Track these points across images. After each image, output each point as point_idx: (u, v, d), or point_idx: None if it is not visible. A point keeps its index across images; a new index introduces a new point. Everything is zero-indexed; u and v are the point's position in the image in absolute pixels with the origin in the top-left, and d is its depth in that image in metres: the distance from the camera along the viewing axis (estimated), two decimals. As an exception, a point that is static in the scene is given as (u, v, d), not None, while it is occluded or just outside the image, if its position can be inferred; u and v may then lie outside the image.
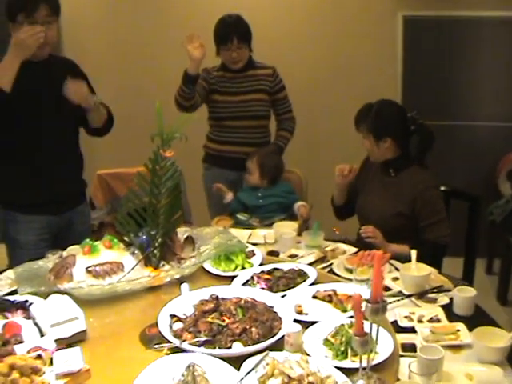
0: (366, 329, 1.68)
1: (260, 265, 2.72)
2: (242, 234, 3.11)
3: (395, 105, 3.34)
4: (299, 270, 2.62)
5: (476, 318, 2.30)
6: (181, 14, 5.43)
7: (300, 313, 2.24)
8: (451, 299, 2.42)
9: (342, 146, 5.31)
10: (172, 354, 1.98)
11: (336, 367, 1.87)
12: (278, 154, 4.02)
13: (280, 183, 3.80)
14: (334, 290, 2.39)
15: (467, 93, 5.41)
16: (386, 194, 3.24)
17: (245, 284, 2.51)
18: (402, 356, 2.03)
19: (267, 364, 1.86)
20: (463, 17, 5.16)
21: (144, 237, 2.59)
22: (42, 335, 2.09)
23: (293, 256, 2.90)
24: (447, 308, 2.39)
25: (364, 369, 1.78)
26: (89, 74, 3.37)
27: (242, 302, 2.22)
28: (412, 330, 2.21)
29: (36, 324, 2.13)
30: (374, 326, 1.78)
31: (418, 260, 2.61)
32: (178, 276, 2.52)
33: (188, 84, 3.80)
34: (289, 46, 5.43)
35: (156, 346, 2.04)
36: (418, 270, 2.58)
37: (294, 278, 2.52)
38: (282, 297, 2.35)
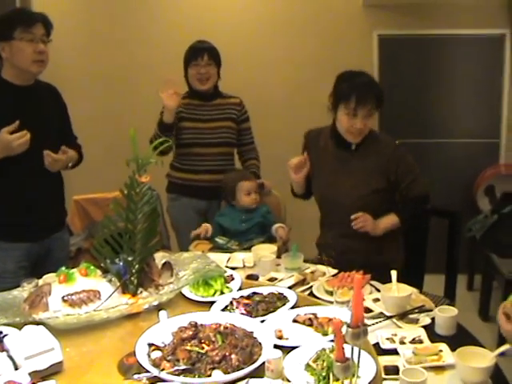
0: (348, 353, 1.65)
1: (239, 289, 2.69)
2: (220, 258, 3.08)
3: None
4: (279, 293, 2.59)
5: (458, 338, 2.28)
6: (159, 39, 5.43)
7: (280, 338, 2.21)
8: (433, 319, 2.40)
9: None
10: (151, 384, 1.94)
11: (318, 393, 1.84)
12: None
13: (259, 205, 3.78)
14: (315, 314, 2.37)
15: (443, 110, 5.46)
16: (353, 173, 3.12)
17: (224, 309, 2.48)
18: (385, 379, 2.01)
19: (248, 392, 1.83)
20: (437, 35, 5.23)
21: (121, 263, 2.56)
22: (16, 368, 2.03)
23: (272, 279, 2.87)
24: (429, 328, 2.37)
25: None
26: (64, 98, 3.37)
27: (222, 328, 2.19)
28: (394, 352, 2.19)
29: (10, 356, 2.07)
30: (356, 349, 1.75)
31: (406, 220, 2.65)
32: (156, 303, 2.48)
33: (164, 132, 3.84)
34: (266, 68, 5.45)
35: (135, 377, 2.00)
36: (398, 290, 2.56)
37: (273, 302, 2.49)
38: (262, 322, 2.32)
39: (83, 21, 5.60)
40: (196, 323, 2.23)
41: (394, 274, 2.61)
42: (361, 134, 3.09)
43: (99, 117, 5.45)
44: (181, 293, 2.63)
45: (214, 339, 2.10)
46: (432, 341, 2.26)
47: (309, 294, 2.72)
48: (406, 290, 2.57)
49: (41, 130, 3.05)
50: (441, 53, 5.30)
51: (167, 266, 2.68)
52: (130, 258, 2.55)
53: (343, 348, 1.57)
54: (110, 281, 2.56)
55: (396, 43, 5.38)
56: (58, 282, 2.49)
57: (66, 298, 2.40)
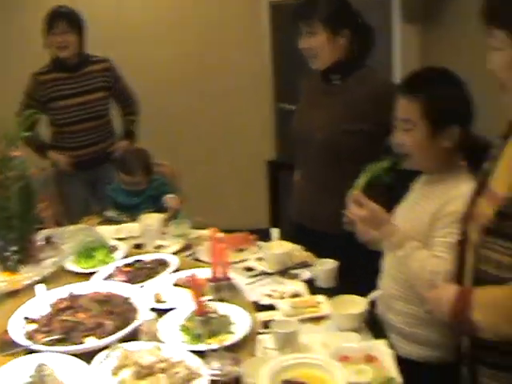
0: (209, 308, 1.69)
1: (124, 258, 2.69)
2: (108, 230, 3.07)
3: None
4: (161, 259, 2.61)
5: (339, 289, 2.34)
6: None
7: (159, 301, 2.23)
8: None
9: (212, 137, 5.37)
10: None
11: (192, 351, 1.87)
12: (133, 141, 4.16)
13: (153, 177, 3.75)
14: (194, 275, 2.39)
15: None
16: (332, 105, 2.74)
17: (106, 279, 2.48)
18: (261, 333, 2.06)
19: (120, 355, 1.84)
20: None
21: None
22: None
23: (159, 247, 2.88)
24: (310, 282, 2.44)
25: (215, 350, 1.78)
26: None
27: (99, 296, 2.19)
28: (273, 308, 2.24)
29: None
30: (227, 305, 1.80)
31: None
32: (37, 278, 2.45)
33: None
34: (153, 39, 5.40)
35: (11, 352, 1.98)
36: (280, 247, 2.63)
37: (154, 268, 2.52)
38: (141, 287, 2.33)
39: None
40: (74, 294, 2.22)
41: (275, 231, 2.67)
42: (314, 58, 2.74)
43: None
44: (65, 267, 2.61)
45: (89, 307, 2.10)
46: (312, 294, 2.33)
47: (194, 259, 2.74)
48: (288, 246, 2.63)
49: None
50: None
51: (49, 240, 2.66)
52: (8, 235, 2.51)
53: (201, 302, 1.60)
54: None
55: (287, 10, 5.40)
56: None
57: None
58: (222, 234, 2.92)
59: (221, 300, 1.77)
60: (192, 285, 1.62)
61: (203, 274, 2.40)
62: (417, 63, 5.03)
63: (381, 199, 2.10)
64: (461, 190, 1.93)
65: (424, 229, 1.98)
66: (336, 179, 2.57)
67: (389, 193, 2.37)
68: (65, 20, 3.84)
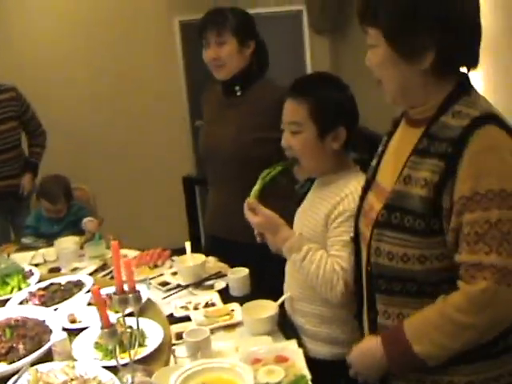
0: (113, 320, 1.72)
1: (38, 282, 2.68)
2: (24, 257, 3.06)
3: (245, 11, 2.90)
4: (77, 280, 2.62)
5: (252, 296, 2.40)
6: None
7: (73, 321, 2.24)
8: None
9: (125, 156, 5.38)
10: None
11: (105, 367, 1.89)
12: (35, 175, 4.19)
13: (72, 202, 3.75)
14: (110, 294, 2.41)
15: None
16: (236, 117, 2.79)
17: (21, 304, 2.47)
18: (175, 345, 2.10)
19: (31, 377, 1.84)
20: None
21: None
22: None
23: (75, 269, 2.89)
24: (224, 292, 2.49)
25: (125, 364, 1.81)
26: None
27: (12, 321, 2.18)
28: (188, 319, 2.29)
29: None
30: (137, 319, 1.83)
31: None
32: None
33: None
34: (66, 62, 5.38)
35: None
36: (192, 260, 2.67)
37: (69, 290, 2.52)
38: (55, 310, 2.33)
39: None
40: (-14, 321, 2.21)
41: (187, 245, 2.72)
42: (221, 68, 2.78)
43: None
44: (-22, 295, 2.58)
45: (0, 333, 2.09)
46: (226, 303, 2.38)
47: (111, 278, 2.76)
48: (200, 259, 2.68)
49: None
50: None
51: (-42, 270, 2.62)
52: None
53: (106, 314, 1.63)
54: None
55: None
56: None
57: None
58: (136, 252, 2.97)
59: (132, 312, 1.79)
60: (95, 298, 1.64)
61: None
62: (326, 70, 5.19)
63: (281, 204, 2.18)
64: (350, 188, 2.01)
65: (320, 230, 2.05)
66: (247, 189, 2.61)
67: (290, 197, 2.43)
68: None
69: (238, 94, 2.80)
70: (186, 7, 5.25)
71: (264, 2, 5.39)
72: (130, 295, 1.76)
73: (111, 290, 2.43)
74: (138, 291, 1.80)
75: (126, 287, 1.78)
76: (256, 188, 2.12)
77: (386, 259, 1.58)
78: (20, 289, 2.62)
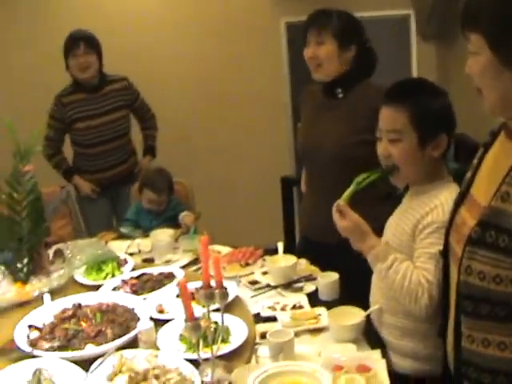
0: (197, 314, 1.73)
1: (132, 271, 2.74)
2: (120, 245, 3.14)
3: (352, 14, 2.87)
4: (168, 272, 2.65)
5: (340, 302, 2.36)
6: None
7: (161, 312, 2.28)
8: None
9: (225, 153, 5.43)
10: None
11: (187, 359, 1.91)
12: (154, 156, 4.31)
13: (170, 198, 3.79)
14: (197, 288, 2.43)
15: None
16: (338, 119, 2.77)
17: (113, 290, 2.53)
18: (259, 344, 2.10)
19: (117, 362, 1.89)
20: None
21: (10, 253, 2.59)
22: None
23: (168, 261, 2.93)
24: (313, 295, 2.47)
25: (207, 359, 1.81)
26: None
27: (103, 306, 2.24)
28: (274, 319, 2.28)
29: None
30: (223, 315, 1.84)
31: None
32: (46, 289, 2.51)
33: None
34: (177, 60, 5.50)
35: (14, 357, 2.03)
36: (284, 261, 2.66)
37: (160, 281, 2.56)
38: (145, 299, 2.38)
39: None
40: (79, 304, 2.28)
41: (280, 245, 2.71)
42: (319, 67, 2.76)
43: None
44: (74, 279, 2.67)
45: (91, 317, 2.15)
46: (313, 306, 2.36)
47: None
48: (292, 260, 2.66)
49: None
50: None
51: (58, 252, 2.73)
52: (18, 247, 2.58)
53: (190, 307, 1.64)
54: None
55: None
56: None
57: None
58: (229, 249, 2.99)
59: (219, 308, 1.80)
60: (181, 291, 1.65)
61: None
62: (432, 78, 5.05)
63: (375, 211, 2.13)
64: (441, 199, 1.93)
65: (408, 240, 1.98)
66: (343, 192, 2.56)
67: (385, 205, 2.36)
68: (84, 42, 3.96)
69: (340, 96, 2.79)
70: (292, 8, 5.24)
71: (371, 6, 5.30)
72: (217, 291, 1.76)
73: (197, 284, 2.47)
74: (225, 288, 1.80)
75: (213, 283, 1.78)
76: (348, 192, 2.07)
77: (476, 279, 1.49)
78: (114, 276, 2.70)
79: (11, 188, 2.55)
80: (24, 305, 2.46)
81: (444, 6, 4.89)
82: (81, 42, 3.95)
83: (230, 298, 2.11)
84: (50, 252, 2.77)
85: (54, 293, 2.49)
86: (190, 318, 1.65)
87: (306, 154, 2.93)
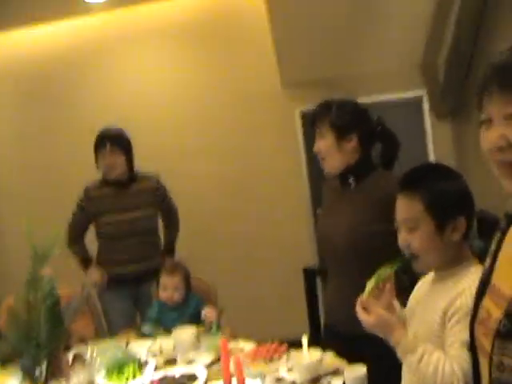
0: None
1: (153, 373, 2.67)
2: (142, 345, 3.07)
3: (357, 102, 2.90)
4: (190, 373, 2.58)
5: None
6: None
7: (183, 416, 2.19)
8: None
9: (246, 245, 5.40)
10: None
11: None
12: (173, 256, 4.23)
13: (191, 295, 3.72)
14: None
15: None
16: (350, 209, 2.76)
17: (134, 394, 2.46)
18: None
19: None
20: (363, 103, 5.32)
21: (29, 358, 2.53)
22: None
23: (191, 361, 2.85)
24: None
25: None
26: None
27: (123, 412, 2.17)
28: (301, 420, 2.18)
29: None
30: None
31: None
32: (66, 395, 2.45)
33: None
34: (190, 160, 5.57)
35: None
36: (309, 356, 2.57)
37: (183, 383, 2.48)
38: (166, 402, 2.30)
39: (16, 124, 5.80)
40: (98, 411, 2.21)
41: (304, 340, 2.62)
42: (324, 161, 2.81)
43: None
44: (95, 382, 2.61)
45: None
46: (344, 403, 2.26)
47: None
48: (317, 355, 2.57)
49: None
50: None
51: (78, 356, 2.67)
52: (37, 353, 2.53)
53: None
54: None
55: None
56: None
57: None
58: (253, 345, 2.91)
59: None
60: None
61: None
62: (450, 156, 5.06)
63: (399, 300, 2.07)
64: (468, 282, 1.86)
65: (437, 330, 1.90)
66: (363, 280, 2.49)
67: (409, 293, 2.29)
68: (110, 142, 3.97)
69: (352, 185, 2.77)
70: (306, 96, 5.27)
71: (383, 90, 5.34)
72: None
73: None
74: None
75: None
76: (370, 286, 2.02)
77: (511, 376, 1.39)
78: (135, 378, 2.62)
79: (28, 292, 2.52)
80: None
81: (457, 81, 4.93)
82: (107, 142, 3.96)
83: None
84: (70, 355, 2.71)
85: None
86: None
87: (321, 244, 2.96)
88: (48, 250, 2.55)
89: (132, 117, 5.45)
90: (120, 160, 4.01)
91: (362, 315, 1.99)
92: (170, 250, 4.33)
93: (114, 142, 3.99)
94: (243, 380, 1.71)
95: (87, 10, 5.23)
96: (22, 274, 2.62)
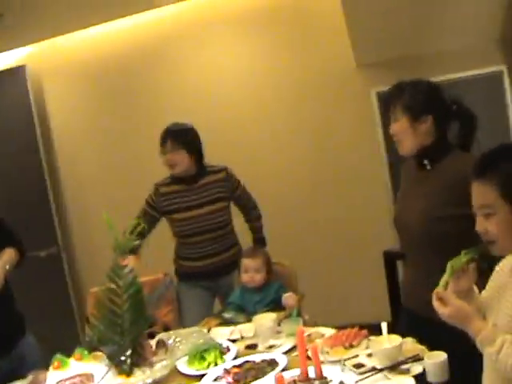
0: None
1: (234, 359, 2.71)
2: (223, 332, 3.12)
3: (431, 82, 2.81)
4: (270, 359, 2.60)
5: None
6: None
7: (262, 402, 2.22)
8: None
9: (330, 231, 5.38)
10: None
11: None
12: (265, 246, 4.16)
13: (272, 281, 3.75)
14: (279, 376, 2.34)
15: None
16: (424, 193, 2.71)
17: (215, 380, 2.50)
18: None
19: None
20: (440, 82, 5.17)
21: (114, 346, 2.63)
22: None
23: (271, 346, 2.88)
24: (420, 377, 2.33)
25: None
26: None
27: (205, 398, 2.22)
28: (382, 407, 2.17)
29: None
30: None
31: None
32: (149, 380, 2.52)
33: None
34: (265, 139, 5.61)
35: None
36: (389, 342, 2.54)
37: (262, 369, 2.50)
38: (247, 389, 2.33)
39: (91, 117, 6.01)
40: (181, 396, 2.26)
41: (384, 325, 2.60)
42: (399, 144, 2.77)
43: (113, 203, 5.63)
44: (177, 369, 2.67)
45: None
46: (422, 390, 2.23)
47: (307, 357, 2.71)
48: (397, 340, 2.54)
49: None
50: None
51: (161, 343, 2.74)
52: (121, 341, 2.62)
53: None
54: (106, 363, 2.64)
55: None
56: (52, 369, 2.58)
57: (59, 383, 2.48)
58: (332, 331, 2.91)
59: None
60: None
61: (311, 373, 2.38)
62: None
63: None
64: None
65: None
66: (439, 264, 2.44)
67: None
68: (171, 139, 3.95)
69: (428, 167, 2.74)
70: (382, 76, 5.13)
71: (461, 67, 5.17)
72: (316, 382, 1.70)
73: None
74: (325, 377, 1.74)
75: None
76: (445, 277, 1.99)
77: None
78: (216, 364, 2.67)
79: (111, 282, 2.60)
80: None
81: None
82: (168, 139, 3.95)
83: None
84: (153, 342, 2.79)
85: (158, 383, 2.51)
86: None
87: (397, 227, 2.89)
88: (128, 242, 2.63)
89: (211, 106, 5.52)
90: (181, 156, 3.96)
91: (438, 308, 1.96)
92: (260, 241, 4.29)
93: (174, 138, 3.95)
94: (320, 368, 1.71)
95: (159, 2, 5.29)
96: (107, 265, 2.72)
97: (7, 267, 3.07)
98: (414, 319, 2.78)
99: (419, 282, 2.72)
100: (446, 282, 2.01)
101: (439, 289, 1.99)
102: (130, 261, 3.82)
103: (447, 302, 1.94)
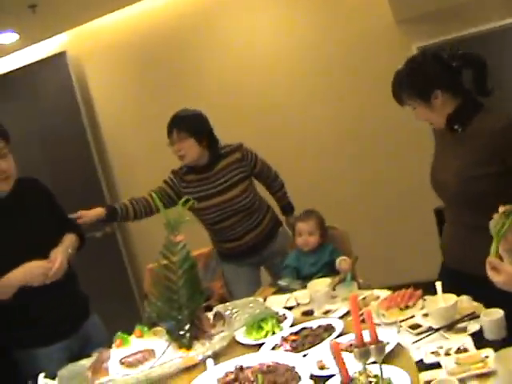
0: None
1: (291, 326, 2.74)
2: (279, 300, 3.16)
3: (425, 53, 2.84)
4: (327, 324, 2.62)
5: (509, 340, 2.19)
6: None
7: (322, 368, 2.24)
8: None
9: (379, 191, 5.35)
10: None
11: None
12: (293, 211, 4.22)
13: (326, 244, 3.77)
14: (334, 342, 2.35)
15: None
16: (458, 154, 2.72)
17: (274, 348, 2.54)
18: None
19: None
20: (477, 33, 4.94)
21: (172, 321, 2.69)
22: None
23: (327, 312, 2.90)
24: (478, 335, 2.32)
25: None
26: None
27: (264, 367, 2.25)
28: (438, 366, 2.16)
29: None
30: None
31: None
32: (209, 352, 2.57)
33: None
34: (306, 99, 5.58)
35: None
36: (444, 301, 2.54)
37: (320, 335, 2.53)
38: (304, 356, 2.36)
39: (133, 97, 6.10)
40: (241, 366, 2.31)
41: (438, 285, 2.59)
42: (431, 124, 2.83)
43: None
44: (235, 339, 2.72)
45: (253, 379, 2.16)
46: (480, 348, 2.21)
47: (362, 321, 2.72)
48: (452, 299, 2.53)
49: (32, 237, 2.99)
50: (486, 50, 5.15)
51: (218, 315, 2.80)
52: (179, 316, 2.68)
53: (345, 369, 1.60)
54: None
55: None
56: (115, 347, 2.65)
57: (123, 360, 2.56)
58: (387, 292, 2.91)
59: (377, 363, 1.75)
60: (333, 353, 1.62)
61: (367, 336, 2.40)
62: None
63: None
64: None
65: None
66: (477, 222, 2.43)
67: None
68: (176, 129, 3.79)
69: (459, 130, 2.73)
70: (423, 31, 5.09)
71: (501, 16, 5.01)
72: (372, 346, 1.72)
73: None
74: (381, 341, 1.75)
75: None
76: (494, 245, 1.98)
77: None
78: (274, 333, 2.70)
79: (166, 259, 2.66)
80: (190, 369, 2.54)
81: None
82: (174, 129, 3.79)
83: (388, 349, 2.06)
84: (211, 315, 2.85)
85: (218, 355, 2.57)
86: (345, 379, 1.61)
87: (435, 189, 2.94)
88: (180, 218, 2.68)
89: (252, 71, 5.55)
90: (188, 145, 3.80)
91: (493, 277, 1.97)
92: (288, 208, 4.28)
93: (179, 127, 3.78)
94: (375, 332, 1.72)
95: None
96: (161, 241, 2.77)
97: (69, 251, 3.11)
98: (452, 273, 2.81)
99: (457, 240, 2.79)
100: (496, 249, 2.00)
101: (492, 257, 1.98)
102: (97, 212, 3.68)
103: (500, 270, 1.94)
